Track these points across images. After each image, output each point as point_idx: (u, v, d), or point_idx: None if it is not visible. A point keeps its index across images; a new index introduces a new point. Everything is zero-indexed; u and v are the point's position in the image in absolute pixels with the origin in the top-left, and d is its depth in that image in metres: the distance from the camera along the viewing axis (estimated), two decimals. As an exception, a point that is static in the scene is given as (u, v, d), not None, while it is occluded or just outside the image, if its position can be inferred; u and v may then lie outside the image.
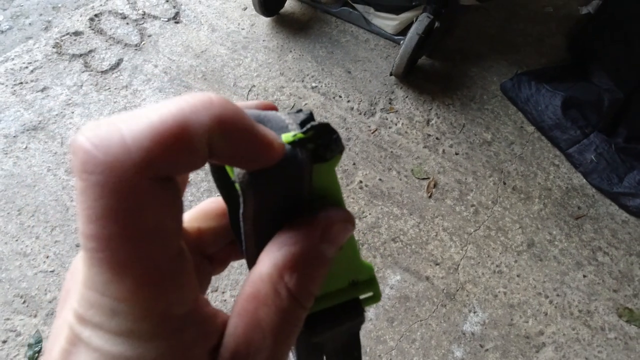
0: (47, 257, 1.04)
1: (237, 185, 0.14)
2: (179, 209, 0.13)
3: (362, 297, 0.18)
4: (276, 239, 0.15)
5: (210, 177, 1.15)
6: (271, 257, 0.14)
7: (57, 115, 1.23)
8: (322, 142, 0.14)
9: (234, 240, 0.20)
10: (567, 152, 1.25)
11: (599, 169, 1.20)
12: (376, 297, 0.19)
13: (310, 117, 0.15)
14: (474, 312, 1.02)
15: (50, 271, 1.02)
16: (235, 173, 0.14)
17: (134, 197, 0.11)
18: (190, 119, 0.11)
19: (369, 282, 0.18)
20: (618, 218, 1.18)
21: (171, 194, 0.12)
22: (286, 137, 0.14)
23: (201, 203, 0.20)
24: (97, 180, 0.11)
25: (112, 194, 0.11)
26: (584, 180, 1.23)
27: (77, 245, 1.05)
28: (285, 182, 0.14)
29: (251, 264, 0.15)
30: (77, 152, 0.11)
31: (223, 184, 0.17)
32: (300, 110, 0.16)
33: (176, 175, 0.12)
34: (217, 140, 0.12)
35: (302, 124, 0.15)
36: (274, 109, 0.17)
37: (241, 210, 0.14)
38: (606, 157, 1.19)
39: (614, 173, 1.18)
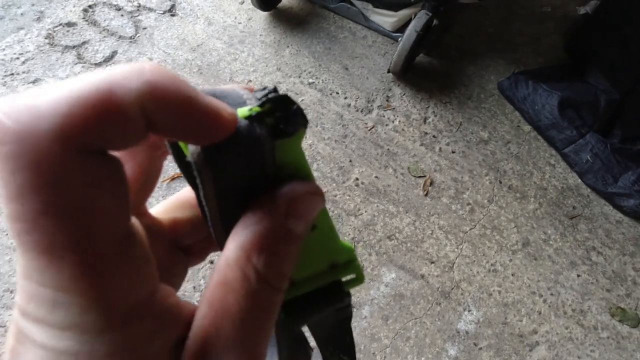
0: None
1: (193, 166, 0.13)
2: (120, 188, 0.12)
3: (344, 279, 0.17)
4: (242, 219, 0.14)
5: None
6: (236, 239, 0.13)
7: (49, 107, 1.21)
8: (281, 115, 0.13)
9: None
10: (563, 152, 1.25)
11: (594, 169, 1.20)
12: (358, 279, 0.18)
13: (273, 91, 0.14)
14: (469, 311, 1.02)
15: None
16: (190, 152, 0.13)
17: (54, 169, 0.10)
18: (115, 85, 0.10)
19: (350, 264, 0.17)
20: (612, 218, 1.18)
21: (107, 170, 0.11)
22: (242, 111, 0.13)
23: (177, 192, 0.19)
24: (10, 151, 0.10)
25: (28, 166, 0.10)
26: (579, 180, 1.23)
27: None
28: (244, 160, 0.13)
29: (221, 249, 0.15)
30: None
31: (184, 167, 0.15)
32: (265, 88, 0.15)
33: (110, 148, 0.11)
34: (153, 110, 0.11)
35: (261, 99, 0.14)
36: None
37: (201, 193, 0.13)
38: (601, 158, 1.20)
39: (609, 173, 1.19)
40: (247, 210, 0.14)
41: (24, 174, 0.10)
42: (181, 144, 0.13)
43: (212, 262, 0.98)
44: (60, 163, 0.10)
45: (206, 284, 0.14)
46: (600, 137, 1.22)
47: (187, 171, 0.15)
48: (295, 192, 0.14)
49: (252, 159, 0.14)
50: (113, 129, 0.10)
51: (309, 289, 0.16)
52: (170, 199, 0.19)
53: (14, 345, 0.11)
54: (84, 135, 0.10)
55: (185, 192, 0.19)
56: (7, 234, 1.02)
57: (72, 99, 0.10)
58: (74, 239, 0.10)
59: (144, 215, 0.17)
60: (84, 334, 0.11)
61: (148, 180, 0.17)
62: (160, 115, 0.11)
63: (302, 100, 1.29)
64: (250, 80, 1.31)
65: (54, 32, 1.34)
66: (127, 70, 0.11)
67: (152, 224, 0.17)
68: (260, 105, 0.13)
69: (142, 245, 0.13)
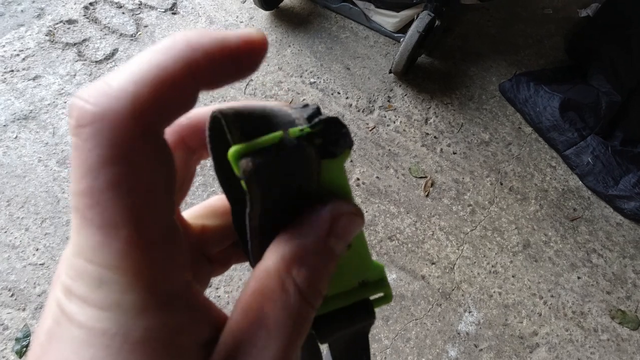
0: (37, 249, 1.01)
1: (243, 183, 0.13)
2: (172, 174, 0.13)
3: (372, 297, 0.18)
4: (283, 233, 0.14)
5: (205, 172, 1.13)
6: (279, 250, 0.14)
7: (49, 104, 1.20)
8: (330, 137, 0.14)
9: (237, 242, 0.19)
10: (564, 154, 1.25)
11: (595, 171, 1.20)
12: (387, 298, 0.18)
13: (318, 111, 0.15)
14: (469, 312, 1.02)
15: (40, 264, 1.00)
16: (241, 168, 0.13)
17: (127, 146, 0.11)
18: (164, 59, 0.11)
19: (380, 283, 0.17)
20: (613, 220, 1.19)
21: (163, 155, 0.12)
22: (293, 131, 0.14)
23: (207, 200, 0.19)
24: (90, 131, 0.11)
25: (105, 143, 0.11)
26: (580, 182, 1.23)
27: (68, 238, 1.03)
28: (292, 178, 0.14)
29: (255, 263, 0.15)
30: (72, 111, 0.11)
31: (226, 181, 0.16)
32: (307, 105, 0.15)
33: (170, 121, 0.12)
34: (200, 67, 0.12)
35: (310, 119, 0.14)
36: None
37: (247, 209, 0.14)
38: (602, 160, 1.20)
39: (610, 176, 1.19)
40: (289, 224, 0.14)
41: (101, 150, 0.11)
42: (231, 159, 0.13)
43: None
44: (130, 141, 0.11)
45: (241, 290, 0.14)
46: (602, 140, 1.22)
47: (228, 184, 0.16)
48: (339, 212, 0.15)
49: (299, 177, 0.14)
50: (172, 101, 0.12)
51: (339, 305, 0.17)
52: (201, 205, 0.19)
53: (51, 326, 0.12)
54: (150, 112, 0.11)
55: (214, 201, 0.19)
56: (5, 232, 1.02)
57: (134, 75, 0.11)
58: (131, 216, 0.11)
59: (177, 217, 0.17)
60: (124, 315, 0.11)
61: (183, 184, 0.17)
62: (207, 69, 0.12)
63: (304, 99, 1.29)
64: (251, 80, 1.31)
65: (55, 29, 1.33)
66: (169, 43, 0.12)
67: (183, 227, 0.17)
68: (312, 127, 0.14)
69: (181, 238, 0.13)
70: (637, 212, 1.15)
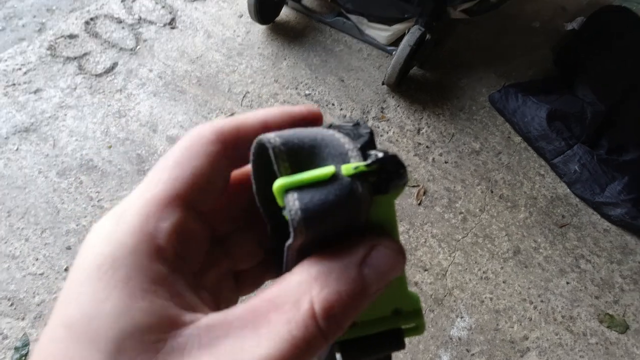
0: (37, 259, 1.03)
1: (287, 218, 0.13)
2: (224, 177, 0.17)
3: (404, 327, 0.17)
4: (319, 254, 0.14)
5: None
6: (308, 267, 0.13)
7: (49, 117, 1.23)
8: (386, 176, 0.13)
9: (267, 251, 0.19)
10: (552, 162, 1.29)
11: (582, 179, 1.24)
12: (419, 329, 0.17)
13: (371, 139, 0.14)
14: (461, 318, 1.04)
15: (40, 274, 1.01)
16: (288, 208, 0.13)
17: (210, 152, 0.16)
18: (243, 123, 0.16)
19: (414, 313, 0.17)
20: (600, 227, 1.22)
21: (228, 166, 0.17)
22: (347, 168, 0.13)
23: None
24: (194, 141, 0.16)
25: (199, 150, 0.16)
26: (568, 189, 1.27)
27: (68, 248, 1.05)
28: (340, 215, 0.13)
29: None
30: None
31: (266, 202, 0.15)
32: (357, 124, 0.15)
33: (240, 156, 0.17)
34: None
35: (363, 149, 0.14)
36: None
37: (288, 242, 0.13)
38: (589, 168, 1.23)
39: (596, 183, 1.22)
40: (327, 249, 0.14)
41: (197, 151, 0.15)
42: (276, 193, 0.13)
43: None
44: (212, 152, 0.15)
45: (257, 292, 0.14)
46: (588, 148, 1.26)
47: (267, 205, 0.16)
48: (378, 244, 0.14)
49: (349, 215, 0.13)
50: (242, 144, 0.16)
51: (369, 332, 0.16)
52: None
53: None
54: (230, 147, 0.16)
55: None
56: (5, 242, 1.04)
57: (233, 127, 0.16)
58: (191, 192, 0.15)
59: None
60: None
61: (219, 186, 0.18)
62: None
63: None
64: (248, 92, 1.34)
65: (56, 43, 1.36)
66: (253, 116, 0.17)
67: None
68: (368, 165, 0.13)
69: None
70: (623, 219, 1.19)
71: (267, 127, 0.16)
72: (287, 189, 0.13)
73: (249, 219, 0.18)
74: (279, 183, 0.13)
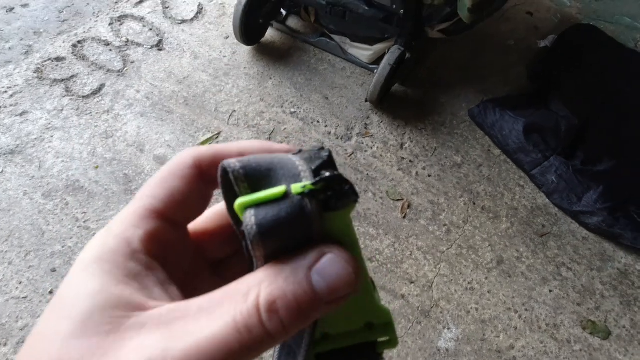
0: (20, 282, 1.02)
1: (246, 236, 0.14)
2: (203, 203, 0.20)
3: (378, 340, 0.18)
4: (277, 260, 0.15)
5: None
6: (264, 268, 0.15)
7: (36, 139, 1.23)
8: (333, 193, 0.14)
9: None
10: (530, 174, 1.33)
11: (559, 189, 1.28)
12: (392, 342, 0.18)
13: (327, 161, 0.15)
14: (448, 329, 1.05)
15: (23, 297, 1.00)
16: (244, 224, 0.14)
17: (185, 175, 0.18)
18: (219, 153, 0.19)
19: (386, 326, 0.17)
20: (579, 235, 1.26)
21: (203, 193, 0.19)
22: (295, 188, 0.14)
23: (213, 207, 0.22)
24: (176, 166, 0.19)
25: (179, 173, 0.19)
26: (547, 200, 1.31)
27: (53, 270, 1.04)
28: (293, 230, 0.14)
29: None
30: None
31: (237, 219, 0.16)
32: (321, 148, 0.16)
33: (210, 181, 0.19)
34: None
35: (316, 171, 0.15)
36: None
37: (252, 252, 0.15)
38: (565, 179, 1.28)
39: (573, 193, 1.27)
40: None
41: (176, 173, 0.18)
42: (237, 210, 0.14)
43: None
44: (189, 175, 0.18)
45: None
46: (563, 160, 1.31)
47: (238, 221, 0.17)
48: (327, 252, 0.15)
49: (302, 231, 0.14)
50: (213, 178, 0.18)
51: (342, 345, 0.17)
52: (207, 212, 0.21)
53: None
54: (202, 173, 0.18)
55: (219, 207, 0.21)
56: (-11, 266, 1.02)
57: (202, 157, 0.19)
58: (167, 208, 0.18)
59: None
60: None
61: (199, 206, 0.20)
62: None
63: (285, 129, 1.35)
64: (234, 111, 1.37)
65: (43, 66, 1.38)
66: (233, 145, 0.19)
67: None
68: (314, 184, 0.14)
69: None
70: (600, 227, 1.23)
71: (243, 156, 0.17)
72: (246, 207, 0.14)
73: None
74: (238, 202, 0.14)
